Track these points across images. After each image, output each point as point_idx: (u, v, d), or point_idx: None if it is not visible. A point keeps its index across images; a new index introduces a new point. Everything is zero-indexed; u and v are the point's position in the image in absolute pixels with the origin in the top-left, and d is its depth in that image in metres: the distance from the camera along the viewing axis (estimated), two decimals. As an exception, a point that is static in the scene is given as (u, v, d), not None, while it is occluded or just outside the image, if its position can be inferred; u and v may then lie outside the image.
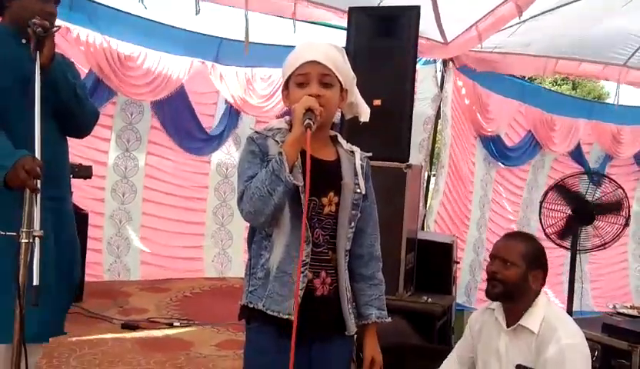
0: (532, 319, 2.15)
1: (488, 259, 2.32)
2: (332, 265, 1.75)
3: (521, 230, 7.07)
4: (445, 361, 2.46)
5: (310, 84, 1.69)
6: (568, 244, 3.97)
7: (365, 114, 1.88)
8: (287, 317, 1.65)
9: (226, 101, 6.20)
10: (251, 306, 1.71)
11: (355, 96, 1.84)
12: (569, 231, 3.94)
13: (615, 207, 3.86)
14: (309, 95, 1.66)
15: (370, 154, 1.87)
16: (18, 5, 2.21)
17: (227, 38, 5.89)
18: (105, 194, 5.78)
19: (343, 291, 1.76)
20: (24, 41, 2.14)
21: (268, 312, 1.67)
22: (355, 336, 1.85)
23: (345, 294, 1.76)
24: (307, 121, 1.61)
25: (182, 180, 6.24)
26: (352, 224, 1.76)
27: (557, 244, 3.99)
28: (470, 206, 6.54)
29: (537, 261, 2.21)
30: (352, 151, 1.83)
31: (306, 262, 1.68)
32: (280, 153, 1.61)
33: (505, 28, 5.35)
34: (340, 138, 1.84)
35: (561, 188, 3.94)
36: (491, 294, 2.23)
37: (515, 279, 2.17)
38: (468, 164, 6.46)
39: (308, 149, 1.60)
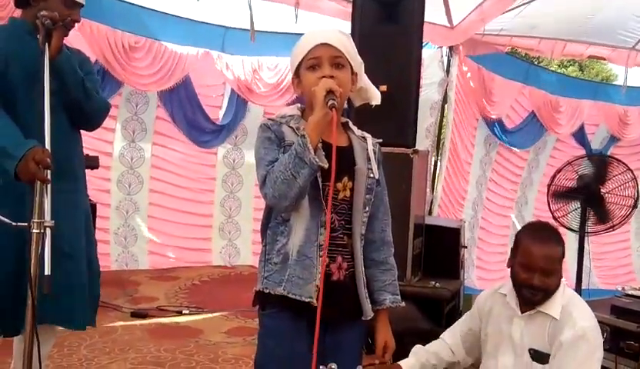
0: (554, 305, 2.13)
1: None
2: (348, 250, 1.76)
3: (520, 210, 7.14)
4: (449, 330, 2.46)
5: (322, 67, 1.70)
6: (575, 226, 3.96)
7: (375, 97, 1.89)
8: (308, 300, 1.66)
9: (233, 92, 6.19)
10: (267, 291, 1.72)
11: (364, 81, 1.85)
12: (576, 213, 3.94)
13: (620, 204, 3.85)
14: (322, 77, 1.67)
15: (381, 140, 1.88)
16: (44, 7, 2.20)
17: (232, 26, 5.86)
18: (110, 185, 5.80)
19: (360, 276, 1.77)
20: (39, 36, 2.14)
21: (290, 295, 1.67)
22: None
23: (361, 279, 1.77)
24: (331, 101, 1.61)
25: (189, 171, 6.26)
26: (367, 209, 1.78)
27: (565, 227, 3.98)
28: (466, 186, 6.57)
29: (564, 255, 2.19)
30: (364, 137, 1.84)
31: (324, 246, 1.69)
32: (303, 135, 1.61)
33: (510, 10, 5.32)
34: (351, 125, 1.85)
35: (568, 171, 3.93)
36: (532, 302, 2.15)
37: (556, 283, 2.14)
38: (467, 146, 6.48)
39: (334, 128, 1.60)
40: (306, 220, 1.69)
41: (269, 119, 1.75)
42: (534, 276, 2.11)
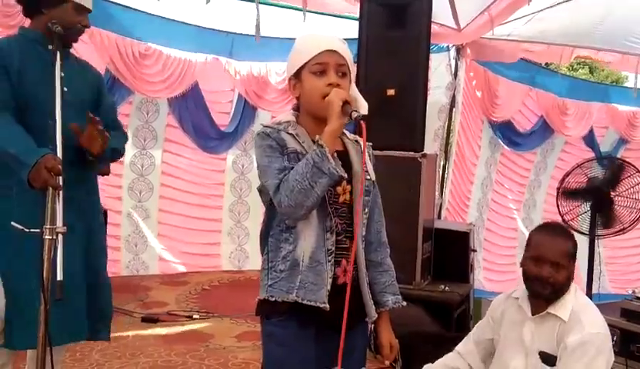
0: (563, 307, 2.15)
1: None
2: (350, 253, 1.76)
3: (527, 212, 7.11)
4: (463, 340, 2.48)
5: (328, 74, 1.70)
6: (586, 229, 3.95)
7: (363, 107, 1.89)
8: (322, 305, 1.67)
9: (241, 97, 6.20)
10: (273, 299, 1.71)
11: (354, 90, 1.85)
12: (586, 217, 3.92)
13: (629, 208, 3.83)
14: (329, 84, 1.68)
15: (371, 144, 1.90)
16: (57, 15, 2.25)
17: (240, 33, 5.86)
18: (121, 192, 5.83)
19: (363, 278, 1.78)
20: (50, 47, 2.17)
21: (305, 302, 1.67)
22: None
23: (364, 281, 1.79)
24: (355, 113, 1.63)
25: (198, 177, 6.27)
26: (366, 210, 1.80)
27: (575, 230, 3.97)
28: (471, 187, 6.56)
29: (575, 255, 2.21)
30: (357, 141, 1.86)
31: (332, 251, 1.71)
32: (321, 145, 1.61)
33: (520, 18, 5.32)
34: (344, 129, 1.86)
35: (577, 174, 3.92)
36: (541, 295, 2.19)
37: (565, 280, 2.17)
38: (474, 148, 6.48)
39: (364, 140, 1.62)
40: (315, 225, 1.70)
41: (266, 126, 1.74)
42: (543, 268, 2.16)
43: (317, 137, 1.66)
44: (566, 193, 3.91)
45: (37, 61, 2.20)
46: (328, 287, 1.68)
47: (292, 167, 1.65)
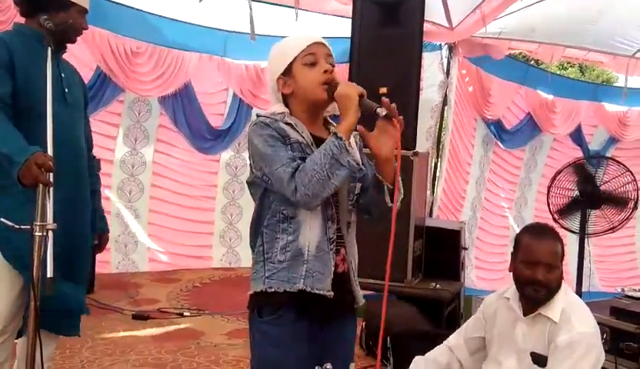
0: (554, 308, 2.15)
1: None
2: (344, 241, 1.78)
3: (519, 210, 7.17)
4: (454, 334, 2.49)
5: (319, 63, 1.72)
6: (576, 228, 3.97)
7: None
8: (328, 293, 1.68)
9: (235, 96, 6.15)
10: (272, 290, 1.69)
11: None
12: (577, 215, 3.94)
13: (621, 200, 3.85)
14: (324, 71, 1.70)
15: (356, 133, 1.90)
16: (64, 18, 2.26)
17: (234, 30, 5.80)
18: (111, 192, 5.76)
19: (351, 264, 1.80)
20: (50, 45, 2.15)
21: (315, 291, 1.67)
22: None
23: (353, 266, 1.80)
24: (384, 111, 1.65)
25: (190, 178, 6.23)
26: (351, 196, 1.80)
27: (565, 229, 3.99)
28: (466, 187, 6.60)
29: (564, 254, 2.21)
30: None
31: (333, 239, 1.72)
32: (340, 138, 1.61)
33: (510, 13, 5.34)
34: (329, 119, 1.88)
35: (568, 172, 3.94)
36: (536, 300, 2.17)
37: (558, 281, 2.16)
38: (467, 147, 6.51)
39: (398, 138, 1.63)
40: (319, 215, 1.70)
41: (264, 116, 1.74)
42: (537, 271, 2.13)
43: (332, 128, 1.69)
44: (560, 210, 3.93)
45: (39, 59, 2.17)
46: (332, 276, 1.69)
47: (300, 157, 1.66)
